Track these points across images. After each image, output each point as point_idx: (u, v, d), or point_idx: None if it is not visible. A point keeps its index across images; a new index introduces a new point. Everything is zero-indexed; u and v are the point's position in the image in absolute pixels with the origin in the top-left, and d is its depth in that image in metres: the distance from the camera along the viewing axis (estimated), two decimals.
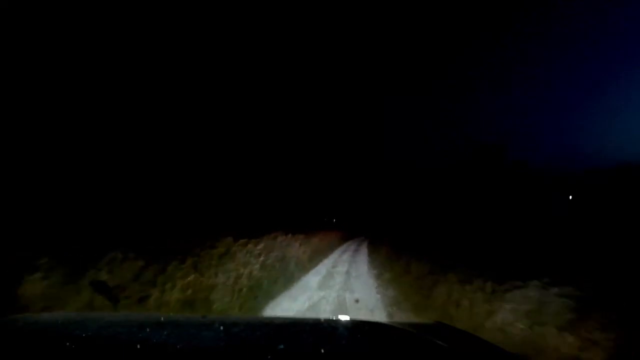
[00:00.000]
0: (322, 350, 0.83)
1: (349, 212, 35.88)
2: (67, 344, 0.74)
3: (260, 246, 6.69)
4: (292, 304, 5.83)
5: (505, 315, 3.45)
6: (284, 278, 6.99)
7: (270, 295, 6.04)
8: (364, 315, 5.52)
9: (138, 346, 0.76)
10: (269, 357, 0.73)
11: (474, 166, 22.76)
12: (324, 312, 5.71)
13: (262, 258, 6.46)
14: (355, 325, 1.19)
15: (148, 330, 0.93)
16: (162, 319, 1.21)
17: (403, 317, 5.41)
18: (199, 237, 5.37)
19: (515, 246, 6.31)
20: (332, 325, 1.18)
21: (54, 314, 1.23)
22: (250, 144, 13.31)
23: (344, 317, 1.26)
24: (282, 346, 0.83)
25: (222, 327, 1.01)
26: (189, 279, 4.21)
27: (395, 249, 9.93)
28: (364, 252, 14.31)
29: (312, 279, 7.89)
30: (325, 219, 25.68)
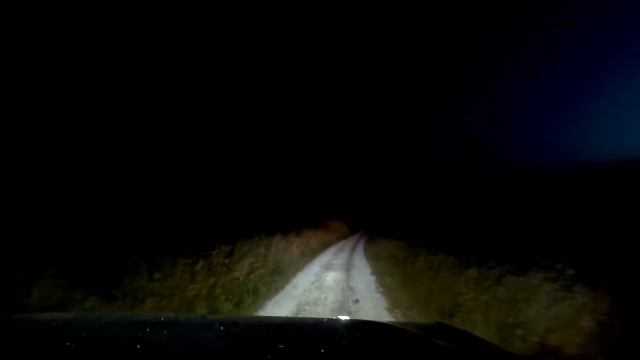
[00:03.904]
0: (322, 350, 0.83)
1: (352, 211, 36.88)
2: (67, 344, 0.74)
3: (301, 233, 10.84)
4: (334, 248, 13.67)
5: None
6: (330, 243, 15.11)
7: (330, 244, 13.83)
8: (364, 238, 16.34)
9: (138, 346, 0.75)
10: (269, 357, 0.73)
11: (461, 165, 22.13)
12: (347, 248, 13.09)
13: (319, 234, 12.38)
14: (355, 325, 1.19)
15: (148, 330, 0.93)
16: (162, 319, 1.21)
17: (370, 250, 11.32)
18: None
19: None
20: (332, 325, 1.18)
21: (54, 314, 1.23)
22: (253, 146, 13.33)
23: (344, 317, 1.27)
24: (282, 346, 0.83)
25: (222, 327, 1.02)
26: None
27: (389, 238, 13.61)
28: (366, 237, 22.12)
29: (338, 244, 17.01)
30: (329, 217, 26.62)
